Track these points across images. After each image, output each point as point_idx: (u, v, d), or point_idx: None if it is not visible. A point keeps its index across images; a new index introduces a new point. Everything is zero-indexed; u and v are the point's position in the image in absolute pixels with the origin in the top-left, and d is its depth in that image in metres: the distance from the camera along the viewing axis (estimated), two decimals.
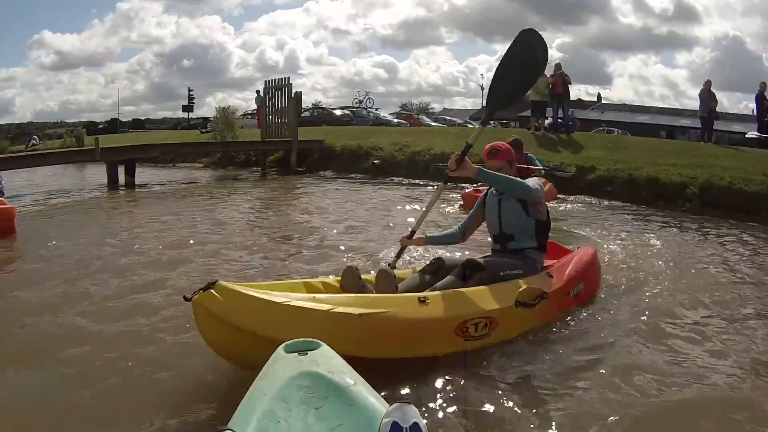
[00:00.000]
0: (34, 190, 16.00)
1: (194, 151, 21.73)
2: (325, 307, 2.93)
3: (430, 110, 62.21)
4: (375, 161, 15.83)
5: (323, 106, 37.65)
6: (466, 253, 5.24)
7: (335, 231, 7.81)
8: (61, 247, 6.95)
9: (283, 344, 1.99)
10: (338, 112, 32.66)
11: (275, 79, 20.27)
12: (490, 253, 4.33)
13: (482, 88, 79.53)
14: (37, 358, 3.55)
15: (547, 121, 17.07)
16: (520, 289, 3.75)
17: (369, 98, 37.37)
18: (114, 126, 56.10)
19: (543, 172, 9.46)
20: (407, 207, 10.17)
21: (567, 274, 4.29)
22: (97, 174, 17.07)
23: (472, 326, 3.45)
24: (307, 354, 1.94)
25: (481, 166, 3.99)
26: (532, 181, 4.11)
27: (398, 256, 4.48)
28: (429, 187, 13.01)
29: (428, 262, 4.18)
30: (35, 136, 37.73)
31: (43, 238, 7.63)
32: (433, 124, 34.15)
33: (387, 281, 3.75)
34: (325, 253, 6.40)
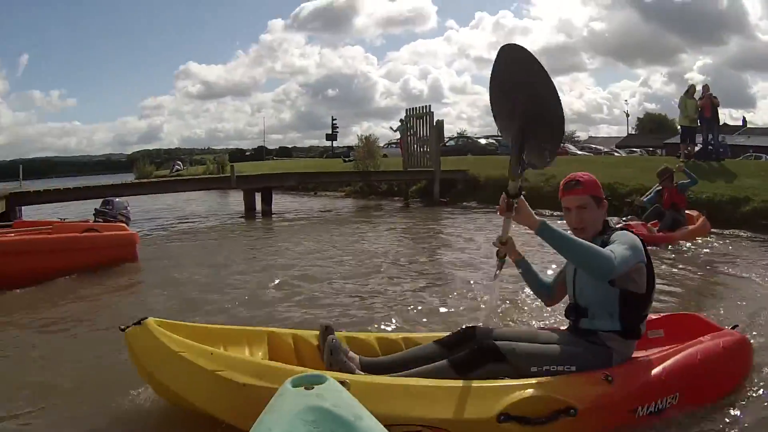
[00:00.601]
0: (172, 214, 16.84)
1: (333, 180, 21.93)
2: (211, 366, 2.65)
3: (576, 138, 60.86)
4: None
5: (468, 135, 37.35)
6: (535, 323, 4.51)
7: (466, 271, 7.05)
8: (181, 276, 7.14)
9: (290, 378, 1.94)
10: (483, 141, 32.19)
11: (417, 108, 19.99)
12: (560, 331, 3.19)
13: (627, 115, 77.30)
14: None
15: (696, 148, 15.89)
16: (525, 394, 2.53)
17: None
18: (260, 153, 58.63)
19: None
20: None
21: (646, 378, 2.82)
22: (238, 200, 17.51)
23: None
24: (313, 388, 1.88)
25: (567, 199, 2.95)
26: (622, 248, 2.68)
27: (499, 266, 3.18)
28: None
29: (456, 330, 3.13)
30: (179, 162, 39.80)
31: (165, 264, 7.94)
32: (579, 152, 33.12)
33: (327, 347, 2.91)
34: (455, 295, 5.75)
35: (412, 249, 9.27)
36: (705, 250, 8.26)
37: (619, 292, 2.83)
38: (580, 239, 2.67)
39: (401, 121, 20.70)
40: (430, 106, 19.19)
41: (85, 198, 13.34)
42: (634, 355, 2.99)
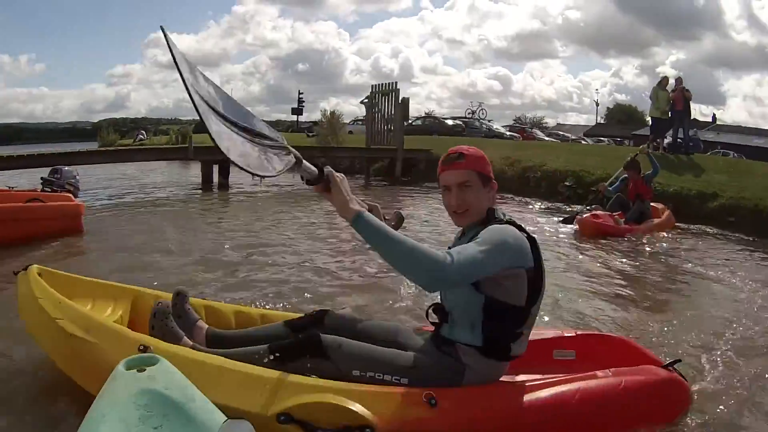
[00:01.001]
0: (129, 184, 16.54)
1: None
2: (54, 314, 2.74)
3: (544, 125, 61.20)
4: None
5: (435, 115, 37.16)
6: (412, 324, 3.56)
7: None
8: (121, 246, 7.07)
9: (122, 361, 1.85)
10: (450, 122, 31.91)
11: (382, 84, 19.52)
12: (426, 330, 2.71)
13: (597, 104, 77.85)
14: None
15: (665, 141, 15.82)
16: (317, 398, 2.13)
17: (482, 109, 36.94)
18: None
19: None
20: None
21: (493, 410, 2.26)
22: (198, 173, 17.06)
23: None
24: (145, 370, 1.84)
25: (447, 175, 2.37)
26: (476, 250, 2.07)
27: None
28: (538, 206, 12.04)
29: (308, 312, 2.78)
30: (143, 132, 39.15)
31: (109, 234, 7.95)
32: (547, 138, 33.02)
33: (152, 311, 2.78)
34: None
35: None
36: (667, 245, 7.88)
37: (484, 300, 2.25)
38: (404, 237, 2.04)
39: (367, 97, 20.22)
40: (396, 83, 18.72)
41: (37, 166, 12.94)
42: (513, 378, 2.55)
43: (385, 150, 18.31)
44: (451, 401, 2.19)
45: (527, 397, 2.29)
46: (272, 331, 2.71)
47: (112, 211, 10.56)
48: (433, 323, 2.50)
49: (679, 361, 2.75)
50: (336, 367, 2.30)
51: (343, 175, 2.23)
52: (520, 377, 2.57)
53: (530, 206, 12.19)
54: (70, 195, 8.47)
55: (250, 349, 2.45)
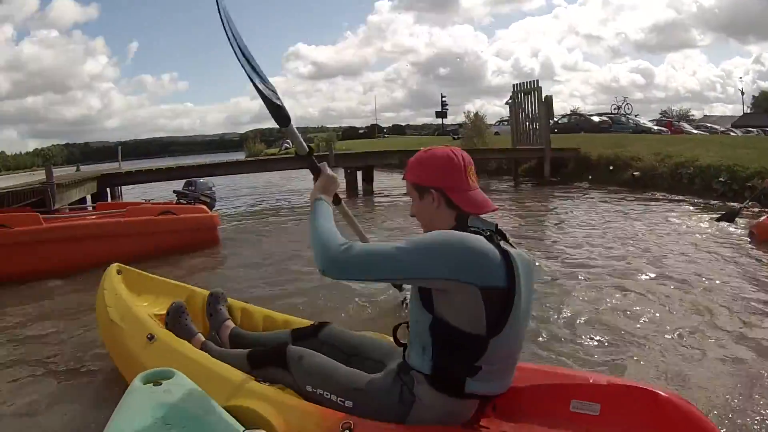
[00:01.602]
0: (269, 191, 17.51)
1: None
2: (107, 302, 3.30)
3: (690, 117, 58.03)
4: (634, 173, 14.25)
5: (581, 112, 36.38)
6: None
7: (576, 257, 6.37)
8: (260, 257, 7.18)
9: (139, 375, 1.93)
10: (596, 119, 30.95)
11: (524, 83, 19.31)
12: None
13: (742, 93, 72.91)
14: None
15: None
16: (234, 402, 2.15)
17: (628, 104, 35.70)
18: (373, 131, 59.29)
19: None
20: (666, 235, 7.80)
21: None
22: (343, 179, 17.33)
23: None
24: (161, 384, 1.90)
25: None
26: (390, 246, 1.84)
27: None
28: (692, 206, 10.87)
29: (313, 323, 2.72)
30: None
31: (247, 246, 7.92)
32: (695, 131, 31.43)
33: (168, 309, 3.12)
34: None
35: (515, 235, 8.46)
36: None
37: (431, 320, 1.89)
38: (332, 225, 2.00)
39: (511, 98, 20.19)
40: (537, 81, 18.62)
41: (175, 178, 13.47)
42: (493, 427, 1.99)
43: (531, 150, 18.02)
44: None
45: None
46: (277, 337, 2.73)
47: (251, 220, 10.88)
48: (401, 344, 2.17)
49: None
50: (293, 380, 2.26)
51: (335, 176, 2.34)
52: (507, 427, 2.00)
53: (683, 204, 11.23)
54: (205, 207, 8.57)
55: (240, 352, 2.56)
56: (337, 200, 2.47)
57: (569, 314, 4.36)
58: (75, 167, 20.41)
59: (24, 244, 6.67)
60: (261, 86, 2.56)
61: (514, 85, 19.82)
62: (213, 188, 9.88)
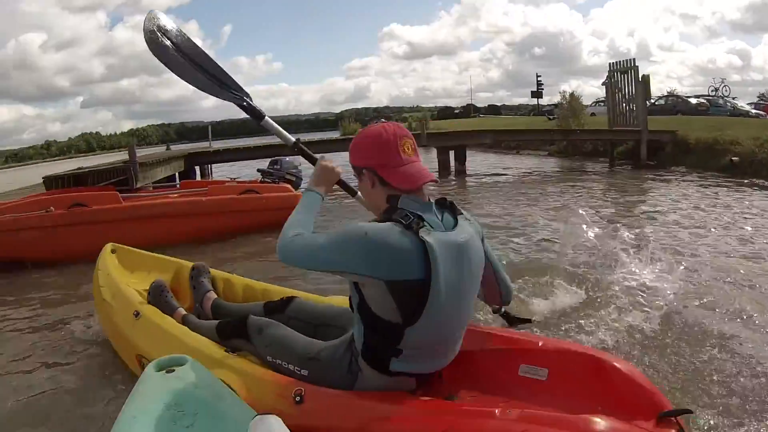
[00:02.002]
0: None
1: (531, 138, 21.49)
2: (101, 282, 3.51)
3: None
4: (733, 158, 13.60)
5: (678, 93, 35.28)
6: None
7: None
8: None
9: (151, 363, 1.92)
10: (693, 101, 29.71)
11: (620, 62, 18.71)
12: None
13: None
14: None
15: None
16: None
17: (725, 86, 34.38)
18: (468, 111, 59.30)
19: None
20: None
21: (357, 418, 1.93)
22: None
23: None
24: (174, 371, 1.88)
25: None
26: (318, 240, 1.96)
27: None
28: None
29: (282, 298, 2.79)
30: (383, 120, 41.68)
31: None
32: None
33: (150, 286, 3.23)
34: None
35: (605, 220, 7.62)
36: None
37: (359, 300, 1.96)
38: (308, 217, 2.17)
39: (607, 77, 19.83)
40: (634, 60, 17.96)
41: (261, 157, 13.57)
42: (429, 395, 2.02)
43: (628, 132, 17.57)
44: (316, 402, 2.02)
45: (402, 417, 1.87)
46: (250, 309, 2.81)
47: (335, 199, 10.57)
48: None
49: (690, 412, 1.96)
50: (255, 350, 2.38)
51: (333, 166, 2.36)
52: (455, 393, 2.10)
53: None
54: (289, 186, 8.49)
55: (212, 324, 2.70)
56: (345, 187, 2.60)
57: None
58: (165, 146, 21.15)
59: (100, 223, 6.85)
60: (226, 95, 2.81)
61: (610, 63, 19.33)
62: (299, 167, 9.86)
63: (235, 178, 9.95)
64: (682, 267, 4.41)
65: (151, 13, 2.77)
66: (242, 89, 2.83)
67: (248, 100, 2.82)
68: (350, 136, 26.06)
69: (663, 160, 16.01)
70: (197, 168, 15.83)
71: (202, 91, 2.79)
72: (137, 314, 2.98)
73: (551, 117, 28.46)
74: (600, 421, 1.63)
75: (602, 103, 26.93)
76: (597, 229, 5.01)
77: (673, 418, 1.73)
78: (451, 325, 1.97)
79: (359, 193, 2.30)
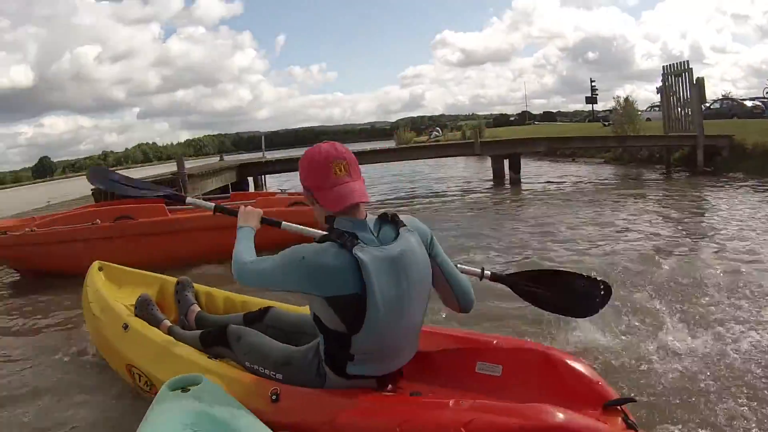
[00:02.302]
0: (419, 179, 17.95)
1: (585, 145, 21.16)
2: (90, 299, 3.61)
3: None
4: None
5: (733, 96, 34.40)
6: None
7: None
8: None
9: (167, 382, 1.94)
10: (749, 103, 28.79)
11: (674, 64, 18.33)
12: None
13: None
14: None
15: None
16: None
17: None
18: (524, 118, 59.00)
19: None
20: None
21: (328, 417, 2.06)
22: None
23: (137, 374, 2.99)
24: (189, 390, 1.90)
25: None
26: (265, 263, 2.20)
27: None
28: None
29: (260, 308, 2.97)
30: (438, 129, 41.66)
31: None
32: None
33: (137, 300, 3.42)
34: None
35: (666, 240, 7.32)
36: None
37: (312, 313, 2.17)
38: (242, 244, 2.48)
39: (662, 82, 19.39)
40: (688, 62, 17.64)
41: None
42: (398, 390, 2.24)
43: (683, 137, 17.10)
44: (291, 400, 2.18)
45: (377, 412, 2.01)
46: (231, 320, 2.98)
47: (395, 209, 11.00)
48: None
49: (634, 400, 2.09)
50: (235, 356, 2.57)
51: (251, 208, 2.74)
52: (416, 389, 2.24)
53: None
54: None
55: (195, 334, 2.88)
56: (268, 222, 2.89)
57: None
58: (219, 157, 21.67)
59: (146, 235, 6.89)
60: (151, 193, 3.57)
61: (663, 67, 18.94)
62: None
63: (285, 190, 9.97)
64: None
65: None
66: (159, 186, 3.82)
67: (168, 191, 3.72)
68: (405, 146, 26.53)
69: (719, 166, 15.51)
70: (250, 179, 16.15)
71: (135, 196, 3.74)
72: (126, 327, 3.12)
73: (606, 123, 28.05)
74: (547, 409, 1.77)
75: (657, 108, 26.47)
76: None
77: (618, 407, 1.92)
78: (395, 331, 2.10)
79: (284, 222, 2.92)
